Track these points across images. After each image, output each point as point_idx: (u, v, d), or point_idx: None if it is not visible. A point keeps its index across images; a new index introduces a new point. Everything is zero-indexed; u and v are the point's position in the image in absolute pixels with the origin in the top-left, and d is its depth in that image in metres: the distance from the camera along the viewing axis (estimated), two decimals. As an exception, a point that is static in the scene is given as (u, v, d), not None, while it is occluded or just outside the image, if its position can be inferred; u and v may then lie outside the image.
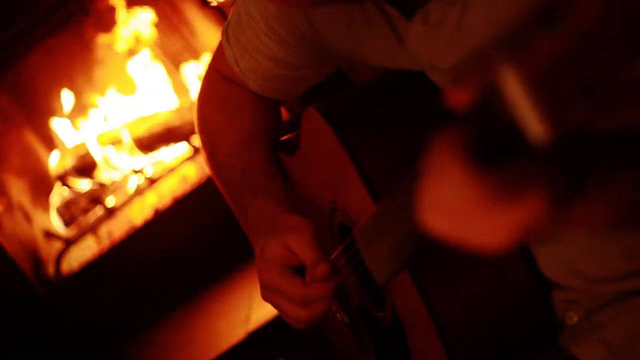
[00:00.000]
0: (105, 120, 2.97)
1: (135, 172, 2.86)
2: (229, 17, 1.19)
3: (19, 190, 2.86)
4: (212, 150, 1.22)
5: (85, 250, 2.79)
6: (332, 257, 1.02)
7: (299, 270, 0.99)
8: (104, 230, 2.83)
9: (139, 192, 2.83)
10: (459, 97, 0.47)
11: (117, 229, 2.79)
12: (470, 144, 0.47)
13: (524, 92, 0.43)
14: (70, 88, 2.93)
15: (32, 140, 2.94)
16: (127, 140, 2.88)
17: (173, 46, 2.96)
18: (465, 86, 0.47)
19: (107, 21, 2.90)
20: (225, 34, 1.19)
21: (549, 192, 0.46)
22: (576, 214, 0.48)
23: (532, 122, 0.43)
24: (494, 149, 0.46)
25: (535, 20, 0.43)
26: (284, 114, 1.29)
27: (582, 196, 0.47)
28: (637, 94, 0.41)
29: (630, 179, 0.48)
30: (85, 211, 2.89)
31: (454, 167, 0.48)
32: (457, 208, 0.49)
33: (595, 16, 0.41)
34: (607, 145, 0.44)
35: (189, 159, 2.82)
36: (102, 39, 2.90)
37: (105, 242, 2.77)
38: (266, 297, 1.02)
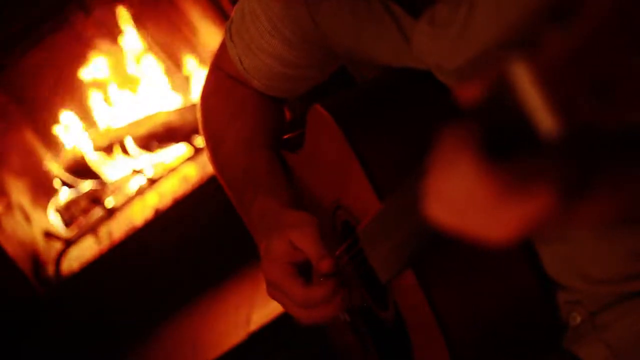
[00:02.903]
0: (105, 120, 2.96)
1: (136, 172, 2.86)
2: (232, 15, 1.19)
3: (19, 190, 2.86)
4: (215, 148, 1.22)
5: (85, 251, 2.79)
6: (335, 255, 1.01)
7: (305, 269, 0.99)
8: (104, 230, 2.83)
9: (140, 192, 2.83)
10: (468, 92, 0.47)
11: (117, 229, 2.79)
12: (480, 137, 0.47)
13: (535, 87, 0.44)
14: (71, 87, 2.93)
15: (32, 140, 2.94)
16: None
17: (174, 45, 2.95)
18: (475, 81, 0.47)
19: (107, 21, 2.90)
20: (228, 32, 1.19)
21: (557, 187, 0.46)
22: (583, 210, 0.48)
23: (543, 116, 0.44)
24: (504, 143, 0.46)
25: (547, 16, 0.43)
26: (287, 112, 1.29)
27: (589, 192, 0.46)
28: None
29: (638, 178, 0.48)
30: (85, 211, 2.89)
31: (464, 160, 0.48)
32: (466, 200, 0.49)
33: (607, 12, 0.41)
34: (616, 143, 0.44)
35: (189, 159, 2.82)
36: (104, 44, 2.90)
37: (106, 243, 2.77)
38: (271, 294, 1.02)
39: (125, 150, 2.89)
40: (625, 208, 0.49)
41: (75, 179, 2.89)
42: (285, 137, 1.21)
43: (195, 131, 2.77)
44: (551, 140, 0.44)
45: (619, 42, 0.42)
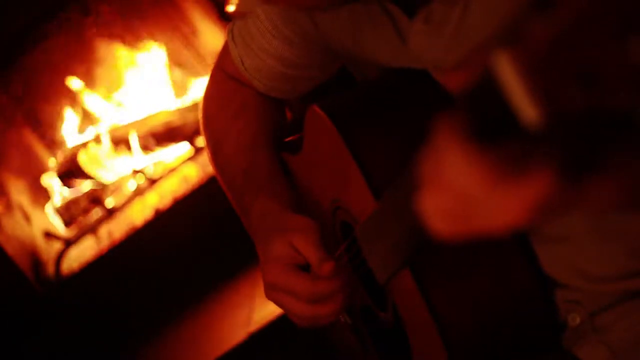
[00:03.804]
0: (105, 120, 2.96)
1: (136, 172, 2.86)
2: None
3: (18, 190, 2.85)
4: (215, 149, 1.22)
5: (85, 251, 2.78)
6: (335, 256, 1.01)
7: (304, 270, 0.99)
8: (104, 230, 2.82)
9: (140, 192, 2.83)
10: (459, 79, 0.47)
11: (117, 229, 2.79)
12: (469, 126, 0.47)
13: (517, 77, 0.44)
14: (70, 87, 2.93)
15: (32, 140, 2.94)
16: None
17: (175, 46, 2.95)
18: (466, 69, 0.47)
19: (107, 21, 2.90)
20: (230, 33, 1.19)
21: (555, 170, 0.46)
22: (590, 191, 0.47)
23: (525, 106, 0.44)
24: (492, 130, 0.46)
25: (530, 5, 0.43)
26: (287, 113, 1.29)
27: (593, 174, 0.46)
28: (631, 76, 0.41)
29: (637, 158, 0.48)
30: (85, 211, 2.88)
31: (453, 148, 0.48)
32: (460, 188, 0.49)
33: (588, 0, 0.42)
34: (608, 126, 0.44)
35: (189, 159, 2.82)
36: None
37: (106, 243, 2.76)
38: (271, 297, 1.02)
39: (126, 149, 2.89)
40: (634, 188, 0.49)
41: (75, 179, 2.89)
42: (286, 140, 1.21)
43: (196, 131, 2.77)
44: (534, 129, 0.44)
45: (599, 28, 0.42)
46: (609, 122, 0.43)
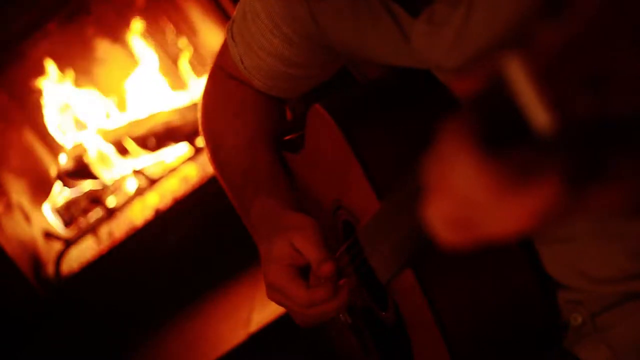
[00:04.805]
0: (107, 118, 2.96)
1: (136, 172, 2.85)
2: (234, 14, 1.19)
3: (18, 190, 2.85)
4: (215, 148, 1.22)
5: (86, 251, 2.79)
6: (336, 256, 1.01)
7: (305, 271, 0.99)
8: (104, 230, 2.82)
9: (140, 192, 2.83)
10: (466, 85, 0.47)
11: (117, 229, 2.79)
12: (478, 131, 0.46)
13: (529, 83, 0.43)
14: (70, 87, 2.93)
15: (32, 140, 2.94)
16: (129, 144, 2.88)
17: (175, 45, 2.95)
18: (473, 75, 0.46)
19: (107, 21, 2.90)
20: (230, 31, 1.19)
21: (562, 178, 0.45)
22: (594, 199, 0.47)
23: (537, 112, 0.44)
24: (501, 137, 0.45)
25: (540, 10, 0.43)
26: (287, 112, 1.29)
27: (598, 181, 0.46)
28: None
29: None
30: (86, 211, 2.88)
31: (462, 155, 0.48)
32: (468, 196, 0.49)
33: (599, 5, 0.41)
34: (618, 132, 0.44)
35: (190, 159, 2.82)
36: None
37: (106, 243, 2.76)
38: (272, 297, 1.02)
39: (125, 150, 2.89)
40: (637, 195, 0.49)
41: (75, 179, 2.89)
42: (286, 138, 1.21)
43: (196, 131, 2.77)
44: (546, 135, 0.44)
45: (612, 35, 0.42)
46: (618, 128, 0.43)
